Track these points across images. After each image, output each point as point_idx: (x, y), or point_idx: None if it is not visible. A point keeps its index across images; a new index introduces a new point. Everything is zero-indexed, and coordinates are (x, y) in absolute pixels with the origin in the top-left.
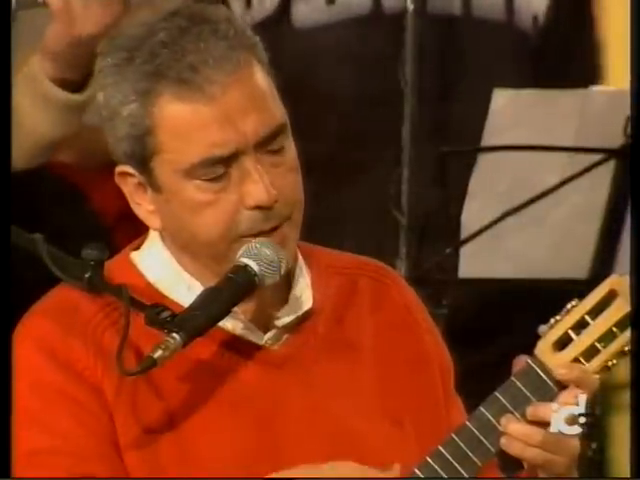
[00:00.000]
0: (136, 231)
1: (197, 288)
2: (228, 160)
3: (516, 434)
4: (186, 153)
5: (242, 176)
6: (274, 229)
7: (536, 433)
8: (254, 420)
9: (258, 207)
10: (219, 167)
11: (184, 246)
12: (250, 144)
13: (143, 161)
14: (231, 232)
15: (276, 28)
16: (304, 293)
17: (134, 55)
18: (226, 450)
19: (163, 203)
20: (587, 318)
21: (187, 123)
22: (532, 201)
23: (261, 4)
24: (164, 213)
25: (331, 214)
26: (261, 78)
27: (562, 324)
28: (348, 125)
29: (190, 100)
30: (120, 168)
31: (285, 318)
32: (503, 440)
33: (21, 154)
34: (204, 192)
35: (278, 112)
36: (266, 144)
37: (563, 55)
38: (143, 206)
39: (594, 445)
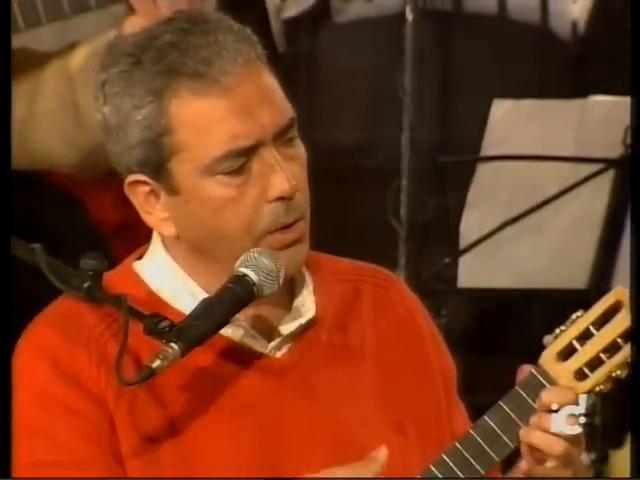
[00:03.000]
0: (135, 240)
1: (202, 296)
2: (249, 152)
3: (539, 443)
4: (208, 148)
5: (262, 169)
6: (294, 223)
7: (558, 443)
8: (256, 428)
9: (281, 198)
10: (240, 159)
11: (201, 249)
12: (269, 135)
13: (159, 164)
14: (255, 227)
15: (316, 22)
16: (307, 301)
17: (141, 59)
18: (228, 458)
19: (181, 206)
20: (592, 329)
21: (207, 117)
22: (531, 211)
23: None
24: (182, 217)
25: (330, 224)
26: (268, 72)
27: (567, 334)
28: (348, 134)
29: (207, 94)
30: (131, 178)
31: (289, 326)
32: (524, 449)
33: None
34: (226, 187)
35: (288, 105)
36: (282, 136)
37: (605, 67)
38: (155, 215)
39: (593, 456)
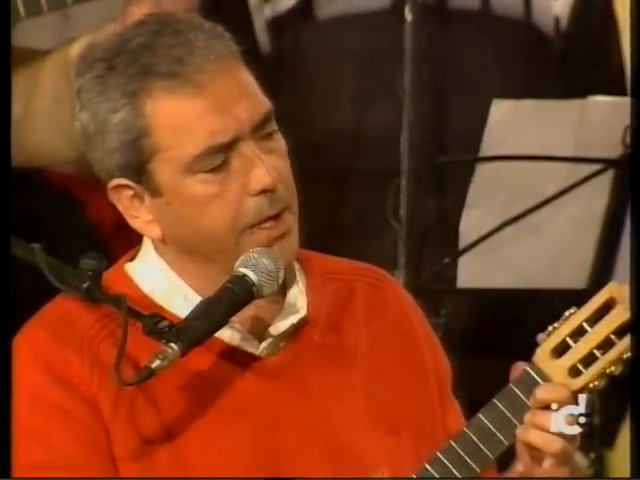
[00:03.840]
0: (134, 240)
1: (194, 298)
2: (228, 147)
3: (537, 442)
4: (186, 146)
5: (242, 164)
6: (279, 215)
7: (556, 441)
8: (251, 430)
9: (263, 191)
10: (219, 156)
11: (188, 250)
12: (247, 129)
13: (139, 167)
14: (239, 222)
15: (299, 20)
16: (298, 300)
17: (114, 63)
18: (224, 460)
19: (164, 207)
20: (585, 325)
21: (183, 116)
22: (530, 211)
23: None
24: (165, 218)
25: (330, 224)
26: (243, 68)
27: (560, 331)
28: (346, 134)
29: (182, 92)
30: (113, 182)
31: (280, 326)
32: (520, 448)
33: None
34: (207, 185)
35: (265, 99)
36: (260, 129)
37: (589, 62)
38: (140, 218)
39: (592, 455)
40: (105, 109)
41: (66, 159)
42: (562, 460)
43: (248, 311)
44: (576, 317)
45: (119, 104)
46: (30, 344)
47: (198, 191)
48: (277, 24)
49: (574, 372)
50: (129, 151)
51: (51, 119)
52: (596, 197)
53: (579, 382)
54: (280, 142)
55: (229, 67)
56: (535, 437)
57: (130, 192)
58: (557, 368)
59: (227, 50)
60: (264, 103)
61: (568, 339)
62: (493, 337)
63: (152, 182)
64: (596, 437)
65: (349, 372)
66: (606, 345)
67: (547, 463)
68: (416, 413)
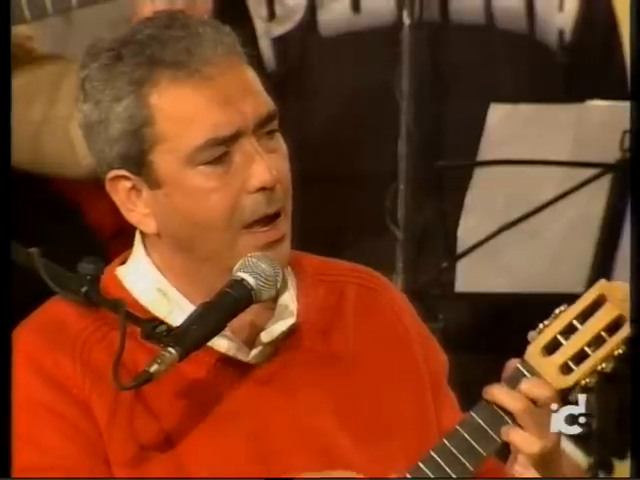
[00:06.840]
0: (131, 245)
1: (182, 303)
2: (230, 141)
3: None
4: (189, 137)
5: (244, 160)
6: (275, 216)
7: (536, 441)
8: (243, 438)
9: (262, 188)
10: (221, 148)
11: (183, 246)
12: (250, 125)
13: (140, 157)
14: (236, 219)
15: (304, 37)
16: (289, 306)
17: (122, 52)
18: (216, 467)
19: (162, 199)
20: (575, 323)
21: (188, 107)
22: (528, 215)
23: (285, 15)
24: (162, 211)
25: (328, 228)
26: (249, 67)
27: (551, 329)
28: (345, 139)
29: (188, 83)
30: (112, 173)
31: (270, 331)
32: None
33: None
34: (208, 178)
35: (269, 99)
36: (263, 127)
37: (592, 74)
38: (137, 211)
39: (592, 459)
40: (110, 97)
41: (72, 174)
42: (539, 463)
43: (240, 317)
44: (566, 314)
45: (124, 92)
46: (22, 347)
47: (198, 183)
48: (282, 42)
49: (565, 369)
50: (131, 140)
51: (65, 131)
52: (594, 201)
53: (571, 379)
54: (282, 144)
55: (236, 63)
56: (515, 436)
57: (128, 184)
58: (548, 365)
59: (235, 48)
60: (268, 102)
61: (559, 336)
62: (491, 341)
63: (152, 173)
64: (595, 440)
65: (339, 378)
66: (597, 342)
67: (520, 464)
68: (409, 417)
